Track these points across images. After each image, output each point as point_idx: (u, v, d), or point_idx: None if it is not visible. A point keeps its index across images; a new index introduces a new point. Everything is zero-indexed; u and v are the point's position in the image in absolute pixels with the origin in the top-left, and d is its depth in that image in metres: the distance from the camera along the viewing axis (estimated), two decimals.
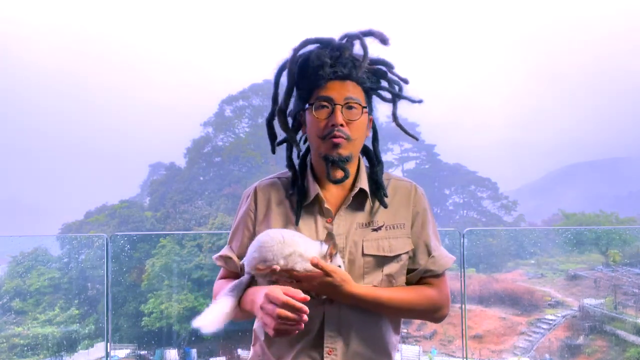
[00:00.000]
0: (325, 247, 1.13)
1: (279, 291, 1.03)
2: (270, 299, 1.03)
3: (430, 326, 14.79)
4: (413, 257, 1.25)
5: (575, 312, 13.54)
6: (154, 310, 13.48)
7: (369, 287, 1.17)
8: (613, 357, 10.42)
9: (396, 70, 1.25)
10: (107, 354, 4.69)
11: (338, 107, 1.17)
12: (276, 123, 1.26)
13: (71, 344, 10.60)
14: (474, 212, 38.48)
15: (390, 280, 1.22)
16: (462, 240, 4.26)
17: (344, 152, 1.18)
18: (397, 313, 1.24)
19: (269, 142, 1.29)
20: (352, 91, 1.19)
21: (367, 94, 1.24)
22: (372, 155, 1.30)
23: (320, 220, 1.22)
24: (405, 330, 14.06)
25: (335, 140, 1.17)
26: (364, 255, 1.20)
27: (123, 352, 11.66)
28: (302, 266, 1.09)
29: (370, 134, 1.31)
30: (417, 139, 1.36)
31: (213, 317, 1.07)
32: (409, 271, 1.25)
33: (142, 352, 12.68)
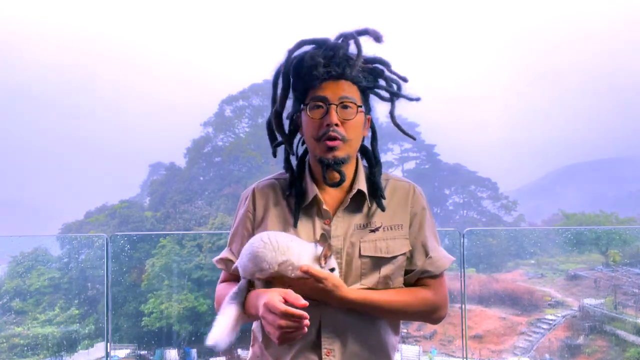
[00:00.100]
0: (320, 249, 1.13)
1: (277, 300, 1.03)
2: (270, 309, 1.03)
3: (430, 326, 14.77)
4: (410, 258, 1.24)
5: (575, 312, 13.54)
6: (154, 310, 13.48)
7: (362, 290, 1.17)
8: (613, 357, 10.42)
9: (395, 68, 1.24)
10: (107, 354, 4.69)
11: (332, 106, 1.17)
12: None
13: (71, 344, 10.60)
14: (474, 212, 38.48)
15: (387, 281, 1.21)
16: (462, 240, 4.26)
17: (339, 154, 1.18)
18: (392, 316, 1.23)
19: (269, 142, 1.29)
20: (347, 90, 1.18)
21: (364, 93, 1.23)
22: (370, 156, 1.29)
23: (318, 221, 1.22)
24: (405, 330, 14.06)
25: (330, 143, 1.16)
26: (361, 256, 1.19)
27: (123, 352, 11.66)
28: (294, 274, 1.10)
29: (369, 134, 1.30)
30: (414, 139, 1.35)
31: (223, 330, 1.07)
32: (407, 272, 1.24)
33: (142, 352, 12.68)
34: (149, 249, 14.89)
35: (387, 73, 1.24)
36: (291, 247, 1.11)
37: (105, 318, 4.44)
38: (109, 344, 4.62)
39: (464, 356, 4.79)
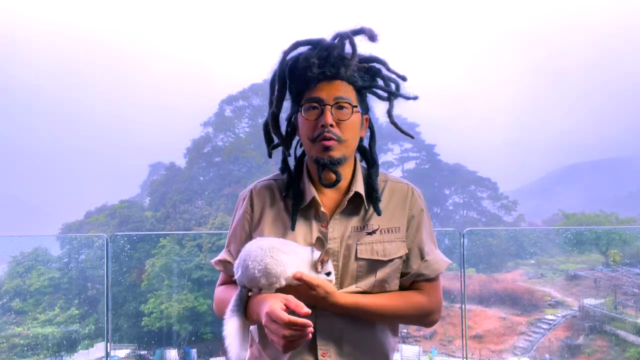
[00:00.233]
0: (317, 254, 1.13)
1: (279, 308, 1.02)
2: (273, 318, 1.02)
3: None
4: (406, 261, 1.23)
5: (575, 312, 13.53)
6: (154, 310, 13.48)
7: (354, 296, 1.16)
8: (613, 357, 10.42)
9: (393, 67, 1.23)
10: (107, 354, 4.69)
11: (327, 107, 1.16)
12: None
13: (71, 344, 10.59)
14: (474, 212, 38.48)
15: (383, 284, 1.20)
16: (462, 240, 4.26)
17: (335, 154, 1.17)
18: (385, 320, 1.23)
19: (264, 139, 1.28)
20: (343, 91, 1.17)
21: (360, 93, 1.22)
22: (368, 156, 1.28)
23: (315, 224, 1.21)
24: (405, 330, 14.06)
25: (326, 143, 1.16)
26: (357, 259, 1.18)
27: (123, 352, 11.66)
28: (287, 281, 1.10)
29: (368, 134, 1.29)
30: (412, 137, 1.33)
31: (238, 347, 1.08)
32: (402, 274, 1.23)
33: (142, 352, 12.68)
34: (149, 249, 14.89)
35: (384, 72, 1.23)
36: (290, 257, 1.11)
37: (105, 318, 4.44)
38: (109, 344, 4.62)
39: (464, 356, 4.78)
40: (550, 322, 14.10)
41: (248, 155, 34.74)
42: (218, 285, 1.34)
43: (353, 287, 1.19)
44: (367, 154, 1.29)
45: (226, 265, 1.28)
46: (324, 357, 1.17)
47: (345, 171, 1.22)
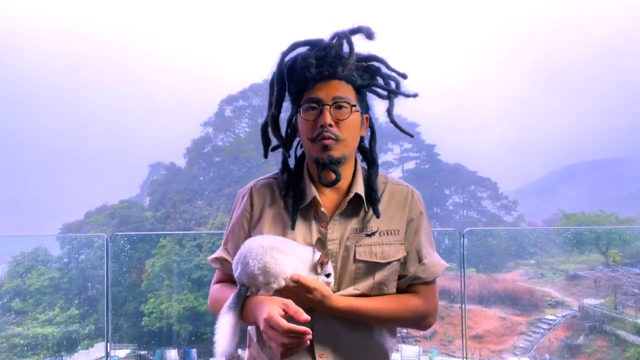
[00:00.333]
0: (317, 255, 1.12)
1: (278, 314, 1.01)
2: (271, 325, 1.01)
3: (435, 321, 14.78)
4: (404, 264, 1.23)
5: (575, 312, 13.53)
6: (154, 310, 13.48)
7: (351, 299, 1.16)
8: (613, 357, 10.42)
9: (393, 65, 1.23)
10: (107, 354, 4.69)
11: (326, 107, 1.16)
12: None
13: (71, 344, 10.59)
14: (474, 212, 38.48)
15: (381, 287, 1.20)
16: (462, 240, 4.26)
17: (334, 153, 1.16)
18: (381, 323, 1.22)
19: (261, 140, 1.28)
20: (341, 90, 1.17)
21: (359, 92, 1.21)
22: (368, 156, 1.28)
23: (315, 224, 1.20)
24: (405, 331, 14.05)
25: (325, 142, 1.15)
26: (355, 261, 1.18)
27: (123, 352, 11.66)
28: (286, 282, 1.09)
29: (368, 133, 1.28)
30: (412, 136, 1.32)
31: (224, 343, 1.07)
32: (399, 277, 1.23)
33: (142, 352, 12.68)
34: (149, 249, 14.89)
35: (384, 70, 1.23)
36: (290, 258, 1.10)
37: (105, 318, 4.44)
38: (109, 344, 4.62)
39: (464, 356, 4.78)
40: (550, 322, 14.10)
41: (248, 155, 34.74)
42: (214, 283, 1.32)
43: (351, 289, 1.19)
44: (368, 154, 1.28)
45: (223, 263, 1.27)
46: (321, 358, 1.17)
47: (346, 171, 1.22)
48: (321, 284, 1.11)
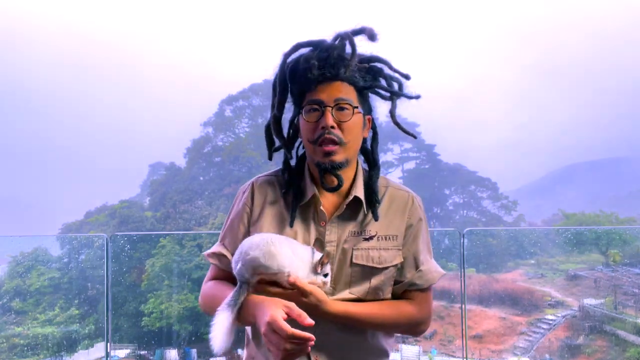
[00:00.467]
0: (317, 256, 1.11)
1: (281, 318, 0.98)
2: (274, 329, 0.98)
3: (430, 326, 14.78)
4: (400, 269, 1.22)
5: (575, 312, 13.55)
6: (154, 310, 13.49)
7: (345, 304, 1.15)
8: (613, 357, 10.43)
9: (396, 66, 1.22)
10: (107, 354, 4.69)
11: (328, 109, 1.14)
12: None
13: (71, 344, 10.60)
14: (474, 212, 38.49)
15: (377, 292, 1.19)
16: (462, 240, 4.26)
17: (337, 158, 1.15)
18: (374, 329, 1.22)
19: (265, 141, 1.27)
20: (343, 92, 1.16)
21: (362, 93, 1.20)
22: (370, 157, 1.27)
23: (314, 223, 1.20)
24: None
25: (327, 148, 1.14)
26: (352, 264, 1.17)
27: (123, 352, 11.67)
28: (285, 282, 1.08)
29: (370, 135, 1.27)
30: (415, 137, 1.31)
31: (220, 340, 1.04)
32: (395, 282, 1.22)
33: (142, 352, 12.69)
34: (149, 249, 14.89)
35: (387, 71, 1.22)
36: (291, 254, 1.08)
37: (105, 318, 4.44)
38: (109, 344, 4.62)
39: (464, 356, 4.79)
40: (550, 322, 14.11)
41: (248, 155, 34.76)
42: (208, 279, 1.28)
43: (346, 293, 1.18)
44: (369, 155, 1.27)
45: (221, 258, 1.24)
46: (317, 358, 1.16)
47: (347, 173, 1.21)
48: (317, 288, 1.10)
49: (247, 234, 1.21)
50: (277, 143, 1.26)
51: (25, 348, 9.96)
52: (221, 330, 1.04)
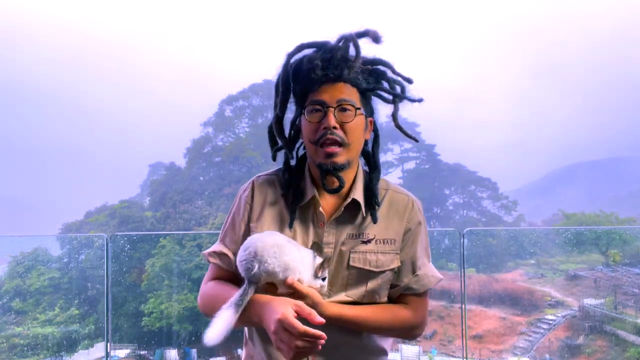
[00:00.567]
0: (318, 260, 1.12)
1: (292, 316, 0.98)
2: (285, 327, 0.97)
3: (430, 326, 14.81)
4: (397, 273, 1.21)
5: (575, 312, 13.55)
6: (154, 310, 13.49)
7: (341, 307, 1.15)
8: (613, 357, 10.42)
9: (399, 69, 1.22)
10: (107, 354, 4.69)
11: (330, 109, 1.14)
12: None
13: (71, 344, 10.59)
14: (474, 212, 38.49)
15: (374, 295, 1.19)
16: (462, 240, 4.26)
17: (339, 160, 1.15)
18: (370, 332, 1.21)
19: (268, 142, 1.27)
20: (346, 93, 1.16)
21: (364, 95, 1.20)
22: (370, 160, 1.26)
23: (313, 223, 1.20)
24: None
25: (329, 149, 1.14)
26: (349, 267, 1.17)
27: (123, 352, 11.67)
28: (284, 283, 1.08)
29: (371, 137, 1.27)
30: (417, 141, 1.31)
31: (217, 333, 1.01)
32: (391, 286, 1.22)
33: (142, 352, 12.69)
34: (149, 249, 14.89)
35: (390, 74, 1.22)
36: (300, 259, 1.08)
37: (105, 318, 4.44)
38: (109, 344, 4.62)
39: (464, 356, 4.79)
40: (550, 322, 14.10)
41: (248, 155, 34.76)
42: (208, 279, 1.27)
43: (343, 296, 1.18)
44: (370, 158, 1.27)
45: (222, 257, 1.23)
46: (314, 357, 1.16)
47: (347, 175, 1.20)
48: (313, 290, 1.09)
49: (248, 232, 1.20)
50: (279, 143, 1.26)
51: (25, 348, 9.95)
52: (222, 326, 1.02)
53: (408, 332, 1.25)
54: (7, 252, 12.11)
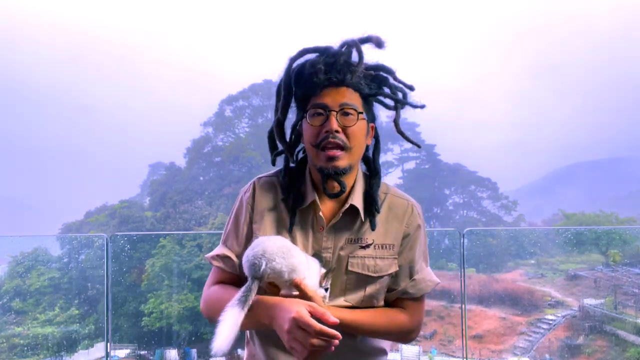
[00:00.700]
0: (323, 270, 1.13)
1: (307, 315, 0.97)
2: (301, 325, 0.97)
3: (430, 326, 14.81)
4: (395, 277, 1.21)
5: (575, 312, 13.55)
6: (154, 310, 13.49)
7: (340, 311, 1.14)
8: (613, 357, 10.43)
9: (400, 76, 1.22)
10: (107, 354, 4.69)
11: (333, 113, 1.14)
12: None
13: (71, 344, 10.60)
14: (474, 212, 38.50)
15: (372, 300, 1.20)
16: (462, 240, 4.26)
17: (340, 164, 1.14)
18: (367, 336, 1.22)
19: (268, 146, 1.26)
20: (348, 97, 1.15)
21: (366, 100, 1.20)
22: (370, 165, 1.26)
23: (312, 227, 1.20)
24: None
25: (330, 153, 1.14)
26: (347, 272, 1.17)
27: (123, 352, 11.68)
28: (288, 283, 1.07)
29: (372, 143, 1.26)
30: (419, 146, 1.32)
31: (226, 336, 0.98)
32: (389, 289, 1.22)
33: (142, 352, 12.70)
34: (149, 249, 14.89)
35: (391, 81, 1.22)
36: (307, 265, 1.08)
37: (105, 318, 4.44)
38: (109, 344, 4.62)
39: (464, 356, 4.79)
40: (550, 322, 14.11)
41: (248, 155, 34.76)
42: (212, 283, 1.26)
43: (341, 301, 1.18)
44: (370, 163, 1.26)
45: (225, 260, 1.23)
46: None
47: (348, 180, 1.20)
48: (316, 294, 1.09)
49: (251, 234, 1.20)
50: (279, 148, 1.26)
51: (25, 348, 9.96)
52: (230, 326, 0.99)
53: (404, 336, 1.25)
54: (7, 252, 12.12)
